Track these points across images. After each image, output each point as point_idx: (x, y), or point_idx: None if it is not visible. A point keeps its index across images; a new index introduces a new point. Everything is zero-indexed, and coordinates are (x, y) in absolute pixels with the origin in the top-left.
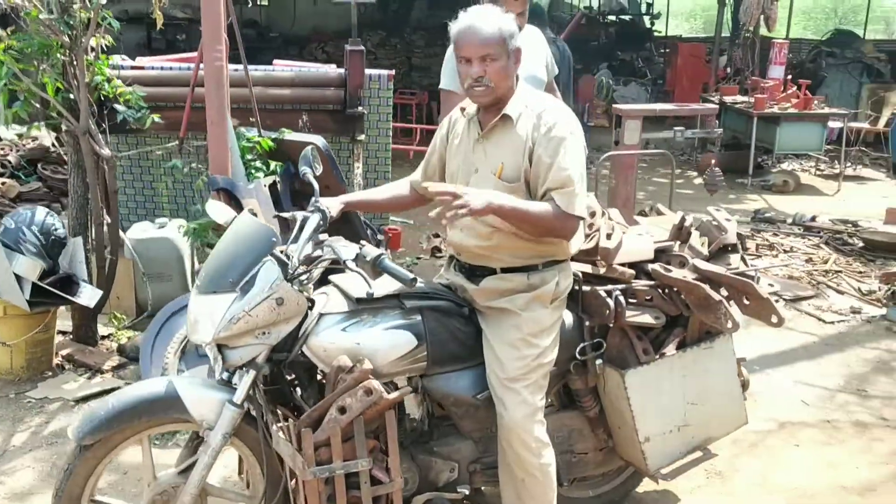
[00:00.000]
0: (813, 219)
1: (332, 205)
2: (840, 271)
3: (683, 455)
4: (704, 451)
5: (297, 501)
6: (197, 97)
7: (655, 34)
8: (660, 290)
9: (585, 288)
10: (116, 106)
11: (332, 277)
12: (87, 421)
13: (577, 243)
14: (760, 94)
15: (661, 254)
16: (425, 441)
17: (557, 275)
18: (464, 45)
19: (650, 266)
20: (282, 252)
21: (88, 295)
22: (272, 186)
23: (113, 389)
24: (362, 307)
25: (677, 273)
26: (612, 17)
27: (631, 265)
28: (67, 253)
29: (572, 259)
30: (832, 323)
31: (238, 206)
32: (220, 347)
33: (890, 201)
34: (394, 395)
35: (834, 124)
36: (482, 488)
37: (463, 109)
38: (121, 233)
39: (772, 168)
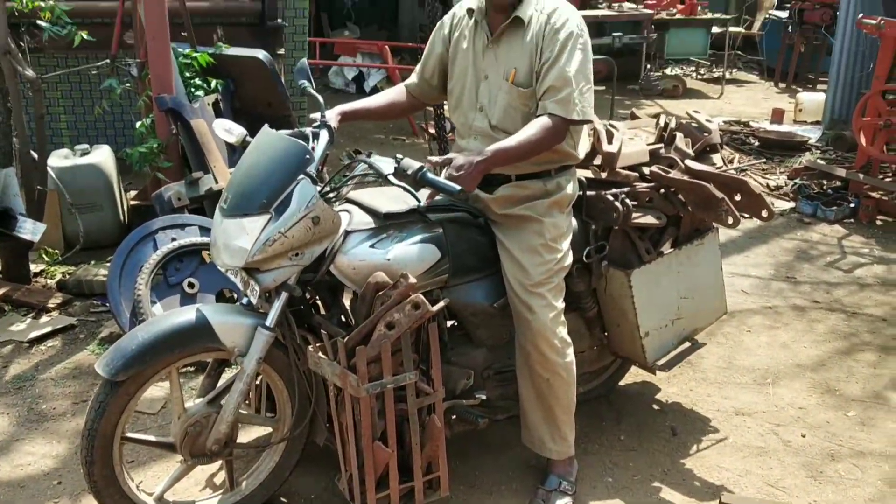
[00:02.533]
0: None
1: (330, 117)
2: (745, 169)
3: (675, 346)
4: (692, 342)
5: (339, 420)
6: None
7: None
8: (659, 192)
9: (590, 192)
10: (40, 22)
11: (350, 194)
12: (119, 356)
13: (585, 148)
14: (651, 1)
15: (652, 156)
16: (442, 352)
17: (570, 180)
18: None
19: (649, 168)
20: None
21: (30, 229)
22: (214, 105)
23: (66, 328)
24: (389, 223)
25: (676, 174)
26: None
27: (629, 168)
28: None
29: None
30: (751, 217)
31: (186, 127)
32: (250, 272)
33: (770, 102)
34: (437, 306)
35: (714, 29)
36: (490, 397)
37: (470, 11)
38: None
39: (657, 74)
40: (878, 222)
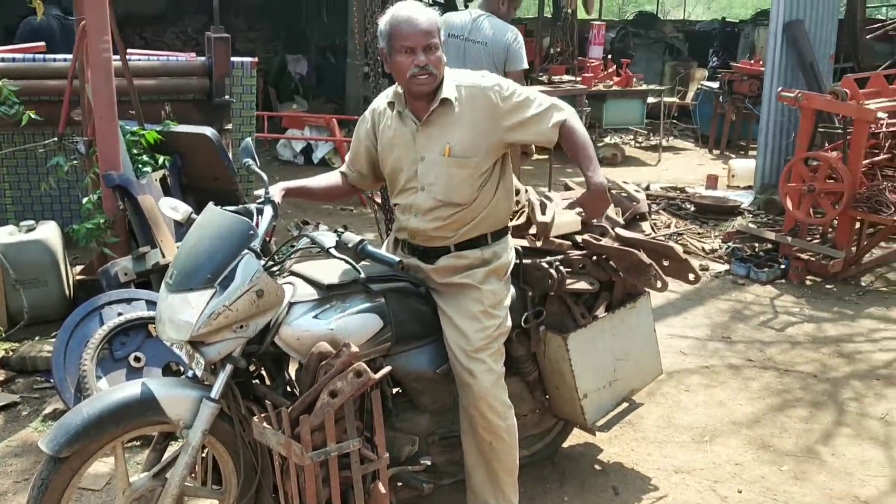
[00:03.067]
0: (647, 187)
1: (274, 192)
2: (682, 234)
3: (614, 407)
4: (630, 402)
5: (284, 489)
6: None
7: None
8: (591, 258)
9: (526, 261)
10: None
11: (294, 267)
12: (63, 432)
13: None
14: (587, 74)
15: (584, 225)
16: (387, 418)
17: (506, 248)
18: (407, 36)
19: (581, 237)
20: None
21: None
22: (162, 181)
23: (8, 405)
24: (332, 294)
25: (607, 242)
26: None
27: (562, 237)
28: None
29: None
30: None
31: (134, 203)
32: (195, 345)
33: (705, 168)
34: (380, 374)
35: (650, 99)
36: (436, 462)
37: (392, 104)
38: None
39: (597, 143)
40: (808, 282)
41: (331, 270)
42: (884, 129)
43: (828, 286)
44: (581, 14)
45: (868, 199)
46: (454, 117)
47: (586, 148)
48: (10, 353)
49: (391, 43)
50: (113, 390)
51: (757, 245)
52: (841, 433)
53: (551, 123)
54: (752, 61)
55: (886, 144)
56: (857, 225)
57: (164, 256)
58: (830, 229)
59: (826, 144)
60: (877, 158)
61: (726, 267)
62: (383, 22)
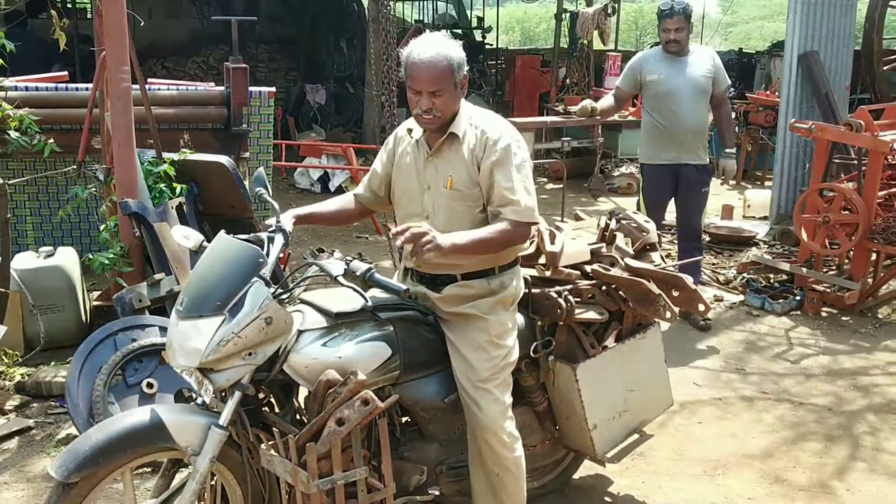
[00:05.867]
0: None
1: (285, 220)
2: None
3: (624, 438)
4: (640, 433)
5: None
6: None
7: (487, 47)
8: (601, 288)
9: (535, 290)
10: (10, 133)
11: (301, 295)
12: (72, 457)
13: (525, 246)
14: None
15: (594, 255)
16: (395, 447)
17: (514, 278)
18: (415, 78)
19: (590, 267)
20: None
21: None
22: (178, 208)
23: (23, 430)
24: (340, 322)
25: (617, 272)
26: (445, 31)
27: (571, 266)
28: None
29: None
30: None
31: (150, 230)
32: (204, 371)
33: (721, 198)
34: (387, 402)
35: None
36: (444, 492)
37: (410, 130)
38: None
39: (612, 172)
40: (824, 314)
41: (340, 299)
42: None
43: (843, 318)
44: (597, 45)
45: (884, 230)
46: (459, 153)
47: (475, 240)
48: (26, 377)
49: (406, 78)
50: (122, 416)
51: (772, 276)
52: (856, 468)
53: (502, 213)
54: (768, 92)
55: None
56: (873, 256)
57: (178, 283)
58: (846, 261)
59: (842, 175)
60: (893, 189)
61: (741, 298)
62: (405, 53)
